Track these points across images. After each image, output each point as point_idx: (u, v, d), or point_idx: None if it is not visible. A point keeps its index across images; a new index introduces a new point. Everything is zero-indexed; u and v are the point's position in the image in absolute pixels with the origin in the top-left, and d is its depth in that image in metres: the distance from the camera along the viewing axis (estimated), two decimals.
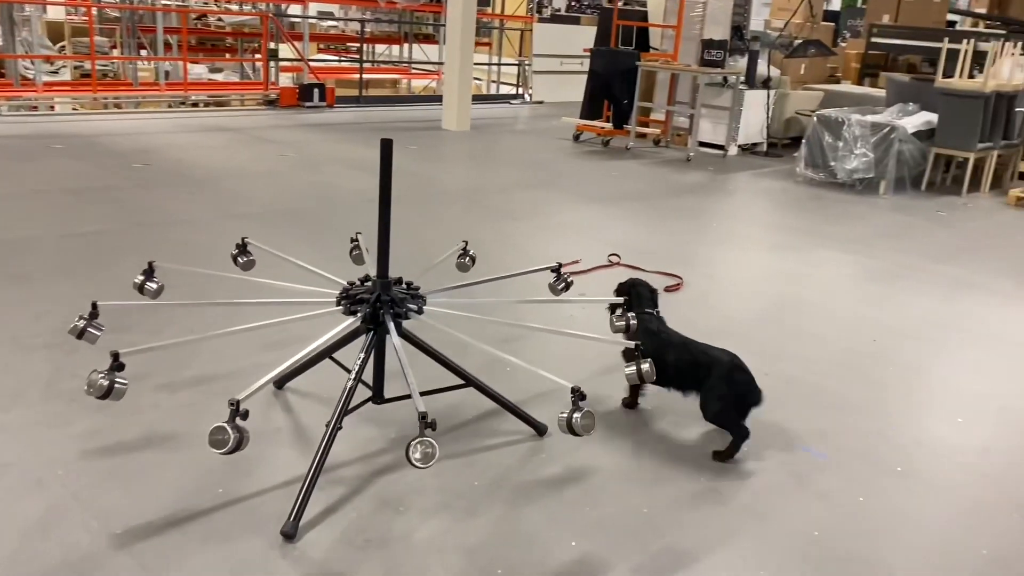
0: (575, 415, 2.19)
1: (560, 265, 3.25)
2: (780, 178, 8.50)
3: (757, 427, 3.00)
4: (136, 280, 2.93)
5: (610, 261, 5.17)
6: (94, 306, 2.58)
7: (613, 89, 9.50)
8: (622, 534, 2.49)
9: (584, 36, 14.34)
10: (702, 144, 9.66)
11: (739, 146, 9.78)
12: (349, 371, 2.60)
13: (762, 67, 9.90)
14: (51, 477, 2.56)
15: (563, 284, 3.23)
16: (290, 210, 5.83)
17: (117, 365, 2.27)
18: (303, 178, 6.87)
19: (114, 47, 14.71)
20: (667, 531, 2.52)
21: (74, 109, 10.25)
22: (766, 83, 9.90)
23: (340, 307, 2.66)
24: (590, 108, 11.00)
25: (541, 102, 13.54)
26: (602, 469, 2.83)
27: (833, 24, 15.10)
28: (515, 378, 3.39)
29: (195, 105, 10.65)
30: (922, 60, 14.15)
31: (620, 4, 10.52)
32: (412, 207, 6.19)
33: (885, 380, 3.74)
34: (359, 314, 2.61)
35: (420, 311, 2.68)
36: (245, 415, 2.09)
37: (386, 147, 2.54)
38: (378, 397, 2.85)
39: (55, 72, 13.55)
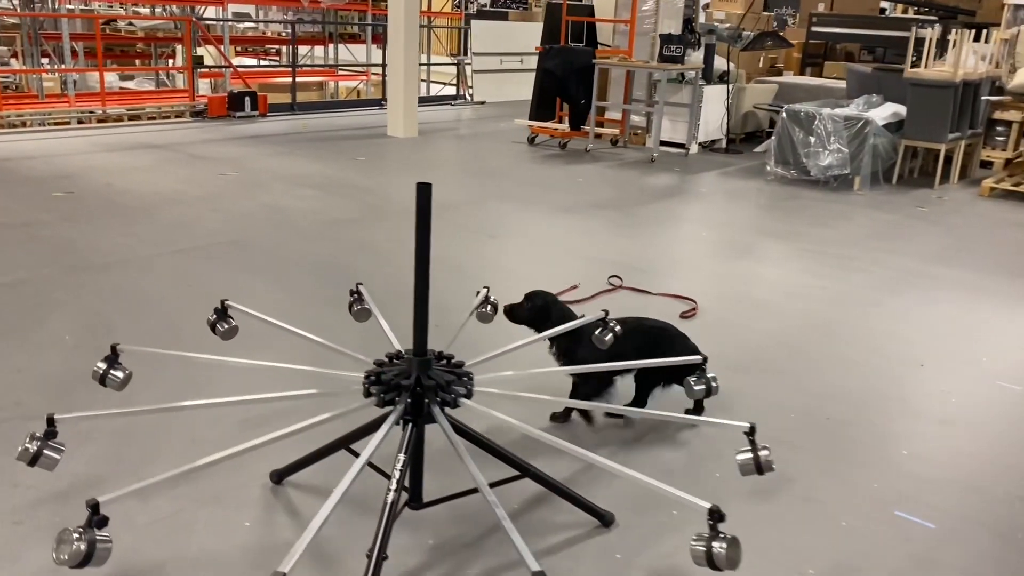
0: (716, 545, 1.69)
1: (607, 313, 2.74)
2: (750, 177, 8.17)
3: (842, 488, 2.56)
4: (97, 367, 2.30)
5: (611, 284, 4.69)
6: (50, 422, 1.96)
7: (569, 89, 9.02)
8: None
9: (523, 32, 13.86)
10: (663, 143, 9.28)
11: (699, 144, 9.43)
12: (378, 469, 2.05)
13: (717, 61, 9.59)
14: None
15: (610, 334, 2.71)
16: (240, 240, 5.17)
17: (98, 519, 1.66)
18: (248, 201, 6.19)
19: (15, 56, 13.58)
20: None
21: None
22: (723, 77, 9.58)
23: (371, 398, 2.09)
24: (541, 109, 10.53)
25: (483, 102, 13.00)
26: (683, 563, 2.34)
27: (770, 14, 14.99)
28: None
29: (107, 120, 9.73)
30: (860, 48, 14.14)
31: None
32: (376, 228, 5.59)
33: (956, 418, 3.35)
34: (397, 406, 2.05)
35: (469, 395, 2.14)
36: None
37: (424, 194, 1.99)
38: (416, 501, 2.29)
39: None
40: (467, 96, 13.25)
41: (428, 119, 10.94)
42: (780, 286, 4.86)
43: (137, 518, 2.43)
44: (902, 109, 8.11)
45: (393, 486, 2.01)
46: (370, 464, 2.30)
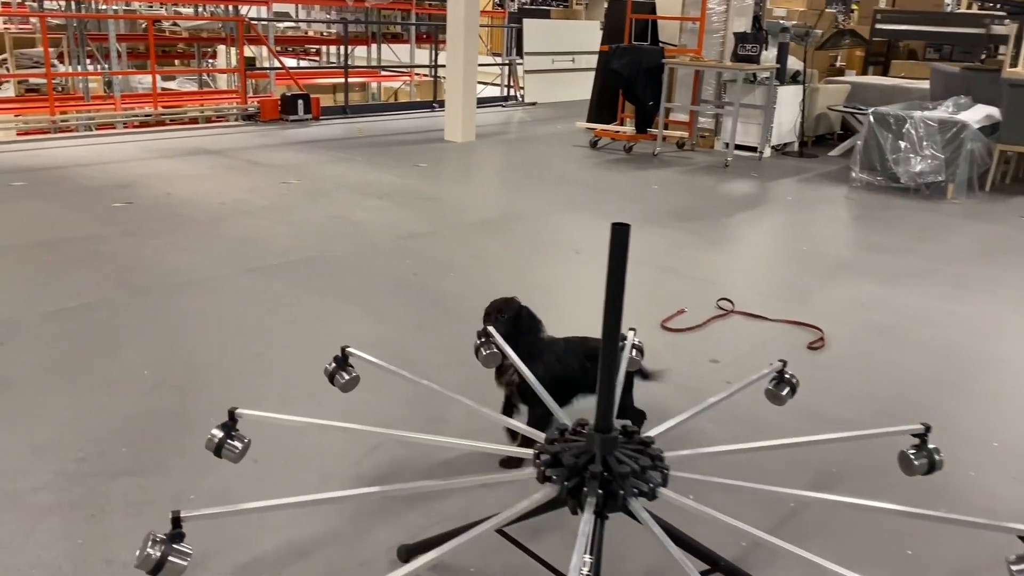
0: None
1: (784, 364, 2.34)
2: (833, 183, 7.71)
3: None
4: (212, 435, 1.96)
5: (721, 309, 4.29)
6: (176, 522, 1.61)
7: (637, 89, 8.61)
8: None
9: (573, 31, 13.47)
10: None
11: (772, 147, 8.98)
12: (534, 555, 1.68)
13: (791, 61, 9.13)
14: None
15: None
16: (316, 258, 4.84)
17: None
18: (316, 212, 5.87)
19: (60, 58, 13.41)
20: None
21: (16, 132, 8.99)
22: (796, 77, 9.12)
23: (550, 482, 1.72)
24: (600, 110, 10.14)
25: (534, 104, 12.61)
26: None
27: (834, 11, 14.44)
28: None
29: (150, 123, 9.48)
30: (925, 46, 13.55)
31: None
32: (454, 243, 5.24)
33: None
34: (587, 501, 1.67)
35: (665, 481, 1.76)
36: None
37: (620, 237, 1.61)
38: None
39: None
40: (518, 97, 12.87)
41: (481, 121, 10.57)
42: (903, 310, 4.43)
43: None
44: (995, 112, 7.62)
45: None
46: (514, 542, 1.94)
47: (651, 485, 1.71)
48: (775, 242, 5.73)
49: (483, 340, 2.49)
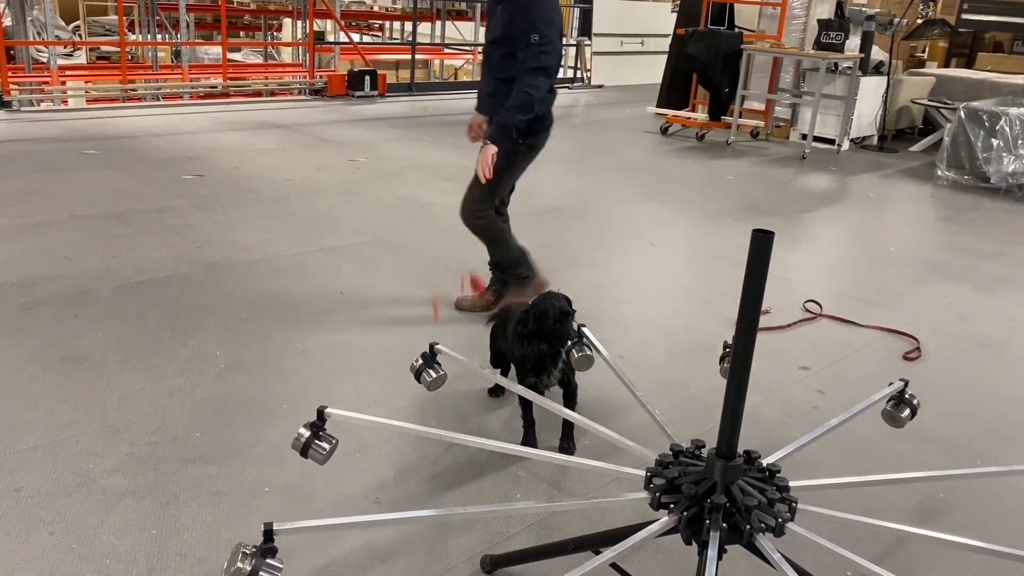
0: None
1: (905, 384, 2.14)
2: (916, 180, 7.38)
3: None
4: (299, 434, 1.85)
5: (809, 312, 4.08)
6: (268, 536, 1.50)
7: (713, 75, 8.33)
8: None
9: (643, 13, 13.15)
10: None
11: (851, 140, 8.63)
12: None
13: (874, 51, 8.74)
14: None
15: (908, 409, 2.08)
16: (388, 241, 4.72)
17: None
18: (385, 192, 5.76)
19: (131, 27, 13.53)
20: None
21: (87, 101, 9.05)
22: (879, 68, 8.74)
23: (668, 515, 1.57)
24: (671, 95, 9.86)
25: (601, 86, 12.35)
26: None
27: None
28: None
29: (215, 95, 9.46)
30: (1013, 38, 12.93)
31: None
32: (525, 231, 5.08)
33: None
34: (712, 535, 1.52)
35: (792, 515, 1.60)
36: None
37: (763, 246, 1.44)
38: None
39: (69, 55, 12.33)
40: (584, 79, 12.62)
41: None
42: (1008, 322, 4.16)
43: None
44: None
45: None
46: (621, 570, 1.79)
47: (779, 520, 1.55)
48: (859, 241, 5.46)
49: (574, 341, 2.34)
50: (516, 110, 3.24)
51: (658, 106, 9.86)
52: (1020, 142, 6.80)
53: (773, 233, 1.48)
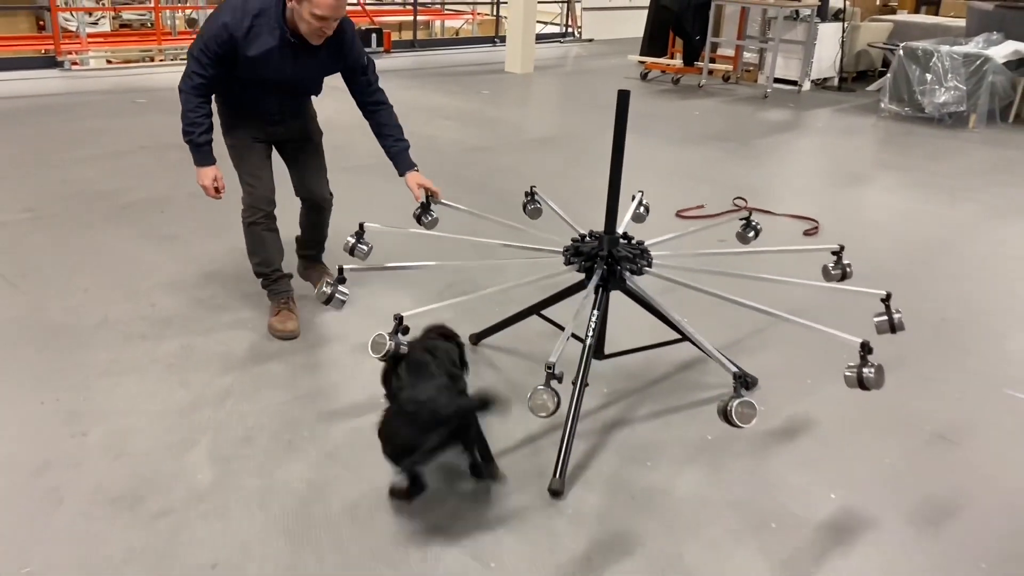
0: (866, 370, 2.17)
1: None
2: (864, 113, 8.34)
3: (957, 373, 2.97)
4: (348, 241, 2.88)
5: (736, 205, 5.10)
6: (340, 270, 2.54)
7: (685, 25, 9.27)
8: (875, 485, 2.49)
9: None
10: (775, 80, 9.45)
11: (812, 81, 9.57)
12: (560, 327, 2.57)
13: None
14: (299, 439, 2.57)
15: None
16: None
17: (404, 328, 2.24)
18: None
19: None
20: (920, 480, 2.52)
21: (108, 62, 10.01)
22: (837, 15, 9.64)
23: (572, 264, 2.62)
24: (652, 44, 10.77)
25: (591, 40, 13.27)
26: (824, 420, 2.82)
27: None
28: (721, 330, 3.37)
29: None
30: None
31: None
32: (513, 155, 6.11)
33: None
34: (595, 272, 2.57)
35: (650, 265, 2.65)
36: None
37: (623, 100, 2.48)
38: (599, 353, 2.83)
39: (94, 24, 13.29)
40: (575, 34, 13.52)
41: (540, 56, 11.30)
42: (893, 210, 5.18)
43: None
44: (1023, 47, 8.10)
45: (590, 333, 2.54)
46: (546, 319, 2.84)
47: (640, 265, 2.59)
48: (795, 159, 6.46)
49: (528, 199, 3.37)
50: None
51: (641, 54, 10.79)
52: (949, 76, 7.74)
53: (629, 92, 2.49)
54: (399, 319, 2.23)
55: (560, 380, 2.07)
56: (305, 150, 3.50)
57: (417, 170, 3.39)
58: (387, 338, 2.19)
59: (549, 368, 2.06)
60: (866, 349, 2.19)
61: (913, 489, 2.48)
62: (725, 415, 2.10)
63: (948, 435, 2.76)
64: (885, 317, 2.47)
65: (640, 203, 3.40)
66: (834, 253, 2.91)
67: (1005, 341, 3.49)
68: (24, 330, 3.19)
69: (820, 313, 2.78)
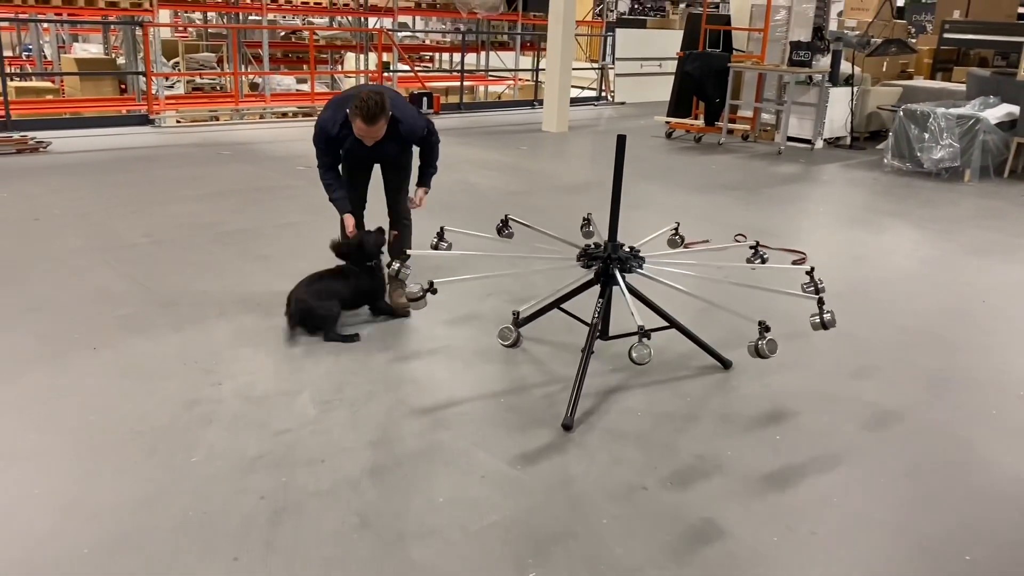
0: (760, 342, 3.00)
1: (758, 243, 3.94)
2: (868, 168, 9.14)
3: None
4: (432, 241, 3.83)
5: (736, 240, 5.92)
6: (516, 315, 3.42)
7: (706, 89, 10.22)
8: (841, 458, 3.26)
9: (662, 39, 15.08)
10: (790, 139, 10.32)
11: (824, 140, 10.41)
12: (579, 319, 3.41)
13: (844, 65, 10.53)
14: (378, 391, 3.42)
15: (760, 259, 3.89)
16: (448, 202, 6.69)
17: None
18: (445, 177, 7.64)
19: (219, 61, 15.92)
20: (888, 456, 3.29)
21: (177, 122, 11.18)
22: (848, 80, 10.52)
23: (579, 262, 3.48)
24: (678, 107, 11.73)
25: (623, 103, 14.30)
26: (795, 403, 3.60)
27: (904, 21, 15.57)
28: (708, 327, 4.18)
29: (287, 116, 11.60)
30: (995, 54, 14.56)
31: (707, 10, 11.21)
32: (541, 196, 7.01)
33: (1005, 331, 4.44)
34: (593, 267, 3.42)
35: (641, 267, 3.49)
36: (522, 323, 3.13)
37: (621, 142, 3.34)
38: (604, 335, 3.66)
39: (171, 87, 14.68)
40: (609, 97, 14.58)
41: (575, 117, 12.33)
42: (880, 247, 5.96)
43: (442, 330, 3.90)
44: (1016, 109, 8.88)
45: (595, 316, 3.38)
46: (566, 311, 3.69)
47: (633, 265, 3.44)
48: (799, 206, 7.27)
49: (585, 222, 4.25)
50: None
51: (668, 115, 11.75)
52: (945, 134, 8.54)
53: (626, 136, 3.36)
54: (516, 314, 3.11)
55: (519, 323, 3.04)
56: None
57: (427, 188, 4.56)
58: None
59: (515, 313, 2.96)
60: (763, 327, 3.03)
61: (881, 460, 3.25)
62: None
63: (895, 411, 3.53)
64: (818, 318, 3.29)
65: (676, 232, 4.24)
66: (798, 264, 3.72)
67: (956, 349, 4.24)
68: (160, 317, 4.12)
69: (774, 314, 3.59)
